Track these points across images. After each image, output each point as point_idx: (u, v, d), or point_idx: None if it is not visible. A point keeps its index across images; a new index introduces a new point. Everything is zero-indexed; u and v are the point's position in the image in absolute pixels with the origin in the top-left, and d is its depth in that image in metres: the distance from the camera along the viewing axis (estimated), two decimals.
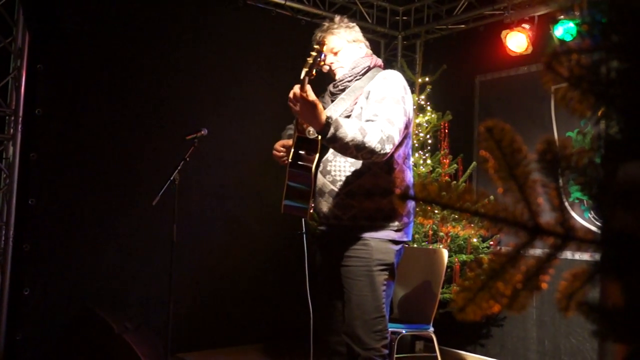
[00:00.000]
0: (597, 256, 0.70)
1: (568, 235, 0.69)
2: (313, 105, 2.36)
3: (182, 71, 4.77)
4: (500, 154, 0.71)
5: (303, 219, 2.90)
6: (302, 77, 2.41)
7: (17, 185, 3.95)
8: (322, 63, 2.57)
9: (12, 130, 3.97)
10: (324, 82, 2.87)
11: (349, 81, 2.76)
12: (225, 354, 4.71)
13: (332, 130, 2.38)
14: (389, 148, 2.47)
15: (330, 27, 2.81)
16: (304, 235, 3.01)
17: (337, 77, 2.79)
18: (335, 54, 2.78)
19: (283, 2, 5.18)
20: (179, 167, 3.74)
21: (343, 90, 2.76)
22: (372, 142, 2.42)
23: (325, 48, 2.76)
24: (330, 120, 2.39)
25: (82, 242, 4.31)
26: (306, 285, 2.88)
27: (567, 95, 0.68)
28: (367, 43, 2.90)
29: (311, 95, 2.37)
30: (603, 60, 0.68)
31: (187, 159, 3.77)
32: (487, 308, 0.72)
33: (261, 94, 4.98)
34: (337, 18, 2.87)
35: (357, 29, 2.87)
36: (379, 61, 2.85)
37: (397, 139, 2.51)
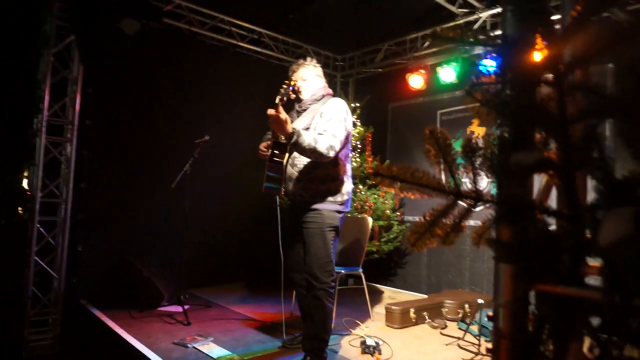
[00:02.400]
0: (495, 211, 0.76)
1: (478, 197, 0.76)
2: (284, 122, 2.37)
3: (191, 94, 4.66)
4: (438, 147, 0.76)
5: (277, 197, 2.91)
6: (276, 101, 2.39)
7: (73, 174, 3.80)
8: (291, 93, 2.54)
9: (69, 135, 3.80)
10: (293, 102, 2.87)
11: (310, 104, 2.75)
12: (221, 289, 4.67)
13: (295, 137, 2.39)
14: (332, 153, 2.49)
15: (304, 63, 2.82)
16: (277, 207, 3.01)
17: (302, 97, 2.78)
18: (304, 80, 2.78)
19: (260, 49, 5.14)
20: (189, 162, 3.70)
21: (305, 110, 2.76)
22: (321, 148, 2.44)
23: (297, 76, 2.76)
24: (294, 130, 2.41)
25: (120, 213, 4.18)
26: (278, 240, 2.87)
27: (480, 110, 0.74)
28: (324, 78, 2.91)
29: (283, 115, 2.37)
30: (502, 90, 0.74)
31: (196, 156, 3.73)
32: (429, 243, 0.78)
33: (246, 112, 4.92)
34: (309, 59, 2.87)
35: (320, 68, 2.88)
36: (330, 91, 2.85)
37: (338, 147, 2.53)
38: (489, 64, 4.13)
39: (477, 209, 0.79)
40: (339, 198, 2.68)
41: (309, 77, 2.79)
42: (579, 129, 0.69)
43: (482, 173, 0.76)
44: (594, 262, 0.71)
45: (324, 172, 2.64)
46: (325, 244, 2.63)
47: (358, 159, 5.01)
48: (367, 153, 5.08)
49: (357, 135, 5.02)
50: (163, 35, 4.43)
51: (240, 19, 4.83)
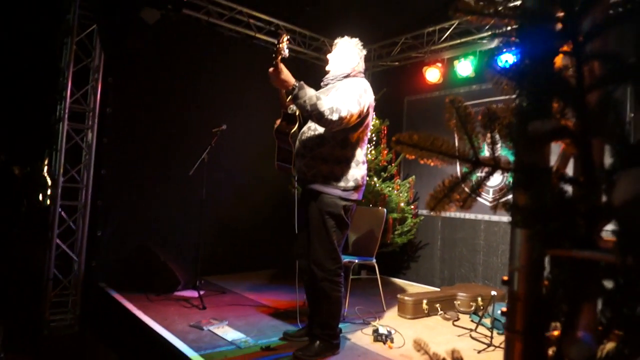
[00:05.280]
0: (512, 178, 0.79)
1: (496, 164, 0.79)
2: (279, 73, 2.33)
3: (209, 84, 4.74)
4: (458, 116, 0.80)
5: (295, 181, 2.76)
6: (275, 57, 2.37)
7: (93, 160, 3.90)
8: (281, 47, 2.41)
9: (90, 122, 3.89)
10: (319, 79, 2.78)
11: (331, 80, 2.67)
12: (236, 277, 4.73)
13: (296, 90, 2.33)
14: (335, 117, 2.32)
15: (348, 39, 2.71)
16: (295, 191, 2.91)
17: (327, 68, 2.71)
18: (335, 54, 2.71)
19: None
20: (207, 150, 3.76)
21: (326, 85, 2.69)
22: (323, 107, 2.31)
23: (334, 49, 2.71)
24: (296, 84, 2.35)
25: (138, 199, 4.27)
26: (294, 228, 2.78)
27: (503, 83, 0.77)
28: (362, 65, 2.72)
29: (283, 69, 2.34)
30: (521, 60, 0.77)
31: (213, 144, 3.79)
32: (447, 208, 0.81)
33: (262, 103, 4.96)
34: (356, 40, 2.72)
35: (362, 54, 2.71)
36: (359, 74, 2.67)
37: (343, 114, 2.34)
38: (507, 59, 4.10)
39: (493, 183, 0.81)
40: (342, 183, 2.51)
41: (340, 53, 2.68)
42: (596, 97, 0.72)
43: (501, 141, 0.79)
44: (608, 237, 0.74)
45: (328, 152, 2.51)
46: (327, 231, 2.51)
47: (373, 152, 5.02)
48: (382, 146, 5.08)
49: (372, 128, 5.02)
50: (182, 26, 4.50)
51: (258, 11, 4.88)
